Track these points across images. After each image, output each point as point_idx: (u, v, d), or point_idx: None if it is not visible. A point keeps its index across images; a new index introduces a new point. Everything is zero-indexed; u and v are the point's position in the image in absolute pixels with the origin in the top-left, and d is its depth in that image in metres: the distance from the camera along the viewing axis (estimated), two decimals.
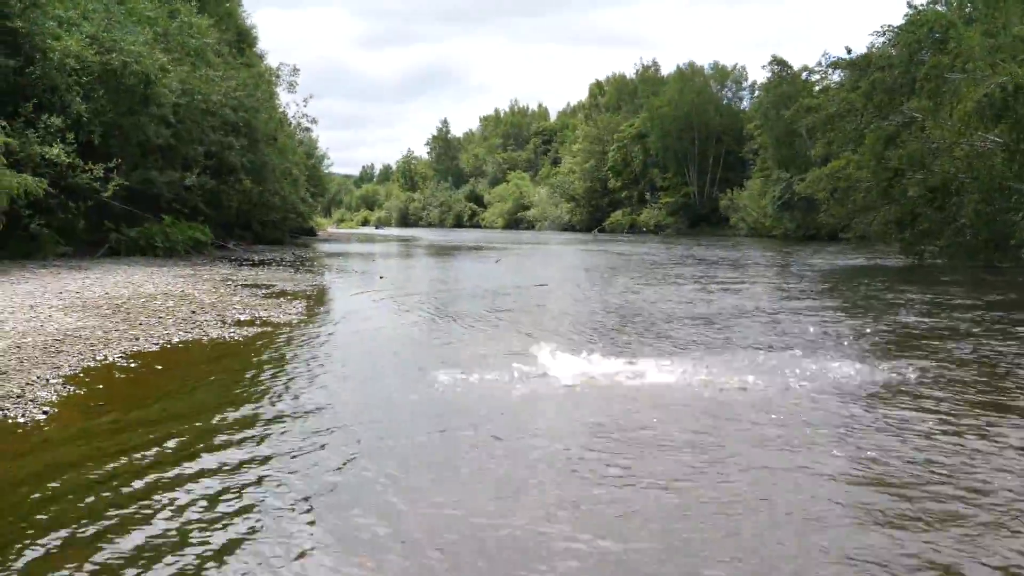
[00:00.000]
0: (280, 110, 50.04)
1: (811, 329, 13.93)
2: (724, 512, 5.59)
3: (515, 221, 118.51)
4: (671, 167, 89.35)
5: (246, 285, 20.39)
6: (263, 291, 19.21)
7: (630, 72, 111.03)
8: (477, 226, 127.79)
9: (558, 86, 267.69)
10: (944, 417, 7.94)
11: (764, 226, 67.98)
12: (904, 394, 8.86)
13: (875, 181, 31.83)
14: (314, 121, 58.30)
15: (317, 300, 18.79)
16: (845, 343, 12.50)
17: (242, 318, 14.53)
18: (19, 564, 4.72)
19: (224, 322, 13.93)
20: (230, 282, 20.87)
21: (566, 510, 5.62)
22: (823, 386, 9.23)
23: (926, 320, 15.06)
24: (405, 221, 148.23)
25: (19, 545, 4.93)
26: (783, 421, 7.80)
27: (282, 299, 17.69)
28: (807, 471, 6.38)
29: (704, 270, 29.31)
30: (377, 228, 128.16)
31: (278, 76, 50.69)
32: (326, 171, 79.89)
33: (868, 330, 13.89)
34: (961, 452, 6.84)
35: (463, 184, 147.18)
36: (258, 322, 14.19)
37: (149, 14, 30.62)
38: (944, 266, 29.19)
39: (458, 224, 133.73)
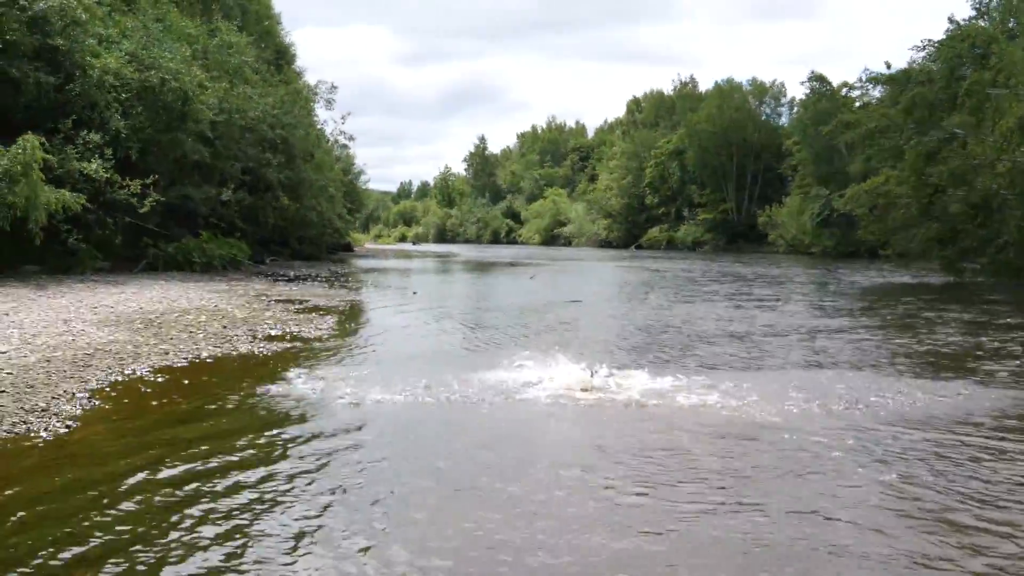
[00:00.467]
0: (318, 127, 50.35)
1: (848, 349, 13.67)
2: (755, 542, 5.42)
3: (552, 237, 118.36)
4: (709, 183, 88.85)
5: (280, 300, 20.45)
6: (296, 306, 19.24)
7: (668, 88, 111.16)
8: (514, 242, 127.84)
9: (596, 103, 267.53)
10: (986, 443, 7.69)
11: (803, 243, 67.28)
12: (944, 418, 8.61)
13: (915, 197, 31.35)
14: (351, 138, 58.44)
15: (349, 315, 18.79)
16: (884, 364, 12.23)
17: (273, 333, 14.54)
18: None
19: (255, 337, 13.94)
20: (264, 297, 20.94)
21: (584, 531, 5.48)
22: (860, 409, 9.01)
23: (968, 340, 14.71)
24: (442, 237, 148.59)
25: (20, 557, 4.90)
26: (816, 446, 7.59)
27: (314, 314, 17.70)
28: (839, 500, 6.18)
29: (741, 287, 28.97)
30: (414, 244, 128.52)
31: (316, 93, 51.01)
32: (363, 187, 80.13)
33: (907, 350, 13.59)
34: (1003, 480, 6.60)
35: (500, 200, 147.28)
36: (288, 337, 14.19)
37: (190, 31, 31.03)
38: (986, 284, 28.62)
39: (495, 240, 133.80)
